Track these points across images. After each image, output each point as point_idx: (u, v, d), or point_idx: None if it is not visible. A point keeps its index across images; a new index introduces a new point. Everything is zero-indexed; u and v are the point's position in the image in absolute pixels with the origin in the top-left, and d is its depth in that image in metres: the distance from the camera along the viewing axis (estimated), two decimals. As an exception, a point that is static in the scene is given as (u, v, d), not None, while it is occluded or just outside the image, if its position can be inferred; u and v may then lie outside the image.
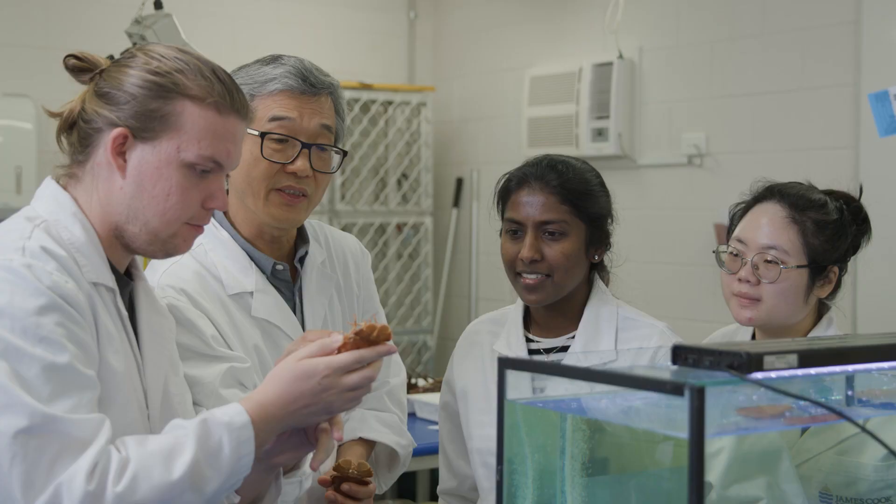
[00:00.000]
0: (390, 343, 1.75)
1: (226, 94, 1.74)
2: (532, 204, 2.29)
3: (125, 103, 1.71)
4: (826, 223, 2.22)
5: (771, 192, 2.27)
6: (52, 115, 1.78)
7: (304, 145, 2.13)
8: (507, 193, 2.36)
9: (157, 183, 1.71)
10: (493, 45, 5.76)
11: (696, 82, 4.69)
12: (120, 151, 1.72)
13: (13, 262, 1.60)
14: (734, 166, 4.51)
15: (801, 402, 1.44)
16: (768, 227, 2.22)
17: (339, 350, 1.72)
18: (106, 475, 1.53)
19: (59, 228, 1.70)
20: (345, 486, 2.15)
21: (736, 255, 2.24)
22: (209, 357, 2.04)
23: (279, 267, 2.21)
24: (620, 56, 4.90)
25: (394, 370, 2.45)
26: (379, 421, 2.36)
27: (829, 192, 2.30)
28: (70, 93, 1.80)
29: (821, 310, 2.29)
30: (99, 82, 1.75)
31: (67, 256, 1.66)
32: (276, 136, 2.12)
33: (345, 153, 2.23)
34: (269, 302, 2.18)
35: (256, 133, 2.11)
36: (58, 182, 1.77)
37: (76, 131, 1.75)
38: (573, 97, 5.04)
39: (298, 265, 2.26)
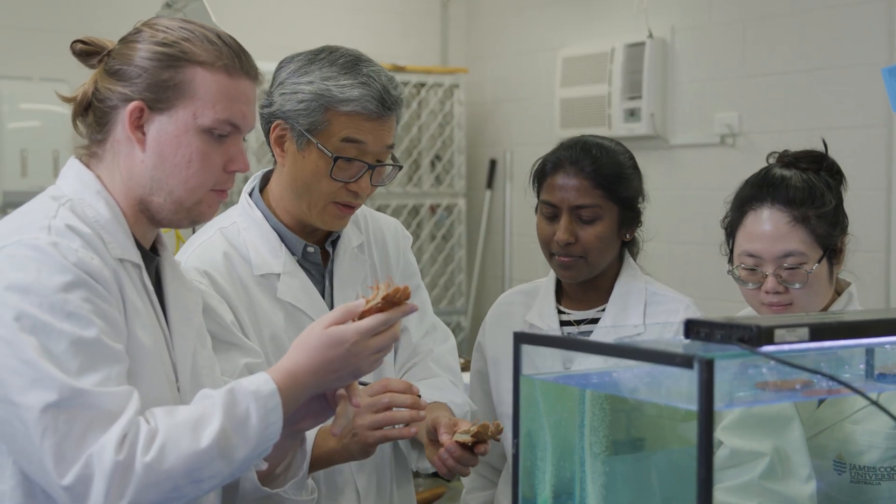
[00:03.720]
0: (412, 302, 1.78)
1: (234, 57, 1.77)
2: (567, 188, 2.36)
3: (137, 77, 1.74)
4: (828, 212, 2.17)
5: (760, 194, 2.21)
6: (66, 99, 1.82)
7: (370, 166, 2.15)
8: (542, 176, 2.43)
9: (178, 151, 1.74)
10: (525, 27, 5.76)
11: (728, 61, 4.66)
12: (138, 125, 1.75)
13: (39, 241, 1.63)
14: (767, 146, 4.42)
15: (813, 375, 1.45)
16: (776, 235, 2.15)
17: (363, 314, 1.75)
18: (135, 445, 1.56)
19: (83, 206, 1.73)
20: (480, 448, 2.09)
21: (753, 270, 2.19)
22: (227, 343, 2.07)
23: (310, 249, 2.23)
24: (651, 36, 4.88)
25: (440, 337, 2.44)
26: (431, 387, 2.32)
27: (798, 159, 2.25)
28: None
29: (839, 284, 2.26)
30: (108, 62, 1.77)
31: (93, 234, 1.69)
32: (345, 158, 2.13)
33: (400, 167, 2.25)
34: (296, 285, 2.19)
35: (329, 154, 2.12)
36: (80, 161, 1.80)
37: (91, 112, 1.78)
38: (605, 78, 5.03)
39: (330, 248, 2.27)
